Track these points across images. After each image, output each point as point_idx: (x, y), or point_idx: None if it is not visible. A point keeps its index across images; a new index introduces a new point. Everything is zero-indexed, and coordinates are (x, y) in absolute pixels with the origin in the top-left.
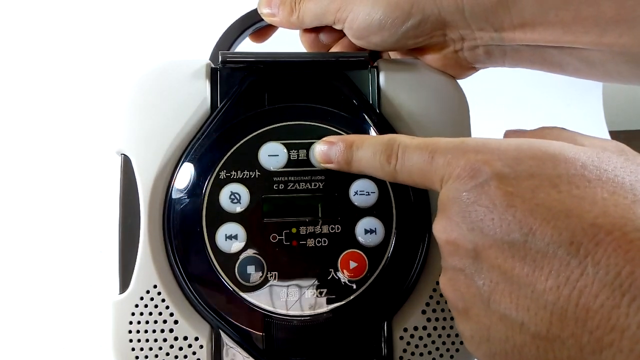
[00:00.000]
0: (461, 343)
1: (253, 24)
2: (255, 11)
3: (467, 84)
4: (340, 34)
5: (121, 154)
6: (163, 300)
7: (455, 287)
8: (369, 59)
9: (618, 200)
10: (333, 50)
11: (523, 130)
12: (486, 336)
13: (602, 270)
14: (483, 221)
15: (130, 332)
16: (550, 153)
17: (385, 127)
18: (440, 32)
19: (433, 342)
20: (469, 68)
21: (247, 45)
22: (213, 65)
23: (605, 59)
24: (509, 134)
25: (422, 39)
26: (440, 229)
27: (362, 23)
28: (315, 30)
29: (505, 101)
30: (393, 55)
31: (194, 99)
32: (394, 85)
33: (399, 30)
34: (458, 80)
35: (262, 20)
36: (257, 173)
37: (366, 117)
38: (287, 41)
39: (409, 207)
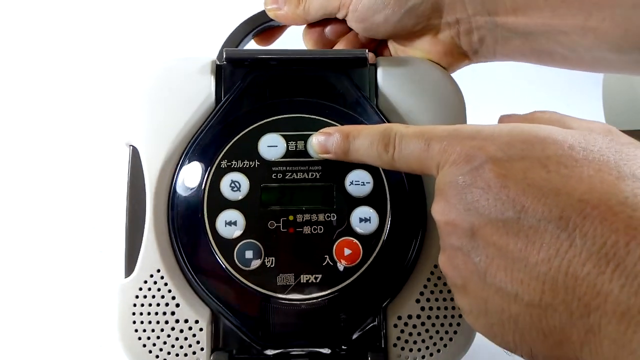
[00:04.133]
0: (455, 333)
1: (258, 26)
2: (261, 14)
3: (468, 85)
4: (344, 29)
5: (130, 145)
6: (166, 284)
7: (454, 264)
8: (367, 55)
9: (603, 177)
10: (337, 47)
11: (516, 115)
12: (484, 309)
13: (589, 241)
14: (479, 202)
15: (134, 314)
16: (540, 136)
17: (382, 121)
18: (438, 15)
19: (427, 330)
20: (463, 57)
21: (252, 47)
22: (218, 62)
23: (591, 46)
24: (503, 118)
25: (421, 19)
26: (439, 211)
27: (367, 3)
28: (320, 25)
29: (505, 102)
30: (394, 48)
31: (200, 94)
32: (390, 81)
33: (402, 10)
34: (458, 80)
35: (267, 22)
36: (256, 163)
37: (363, 111)
38: (289, 45)
39: (403, 197)
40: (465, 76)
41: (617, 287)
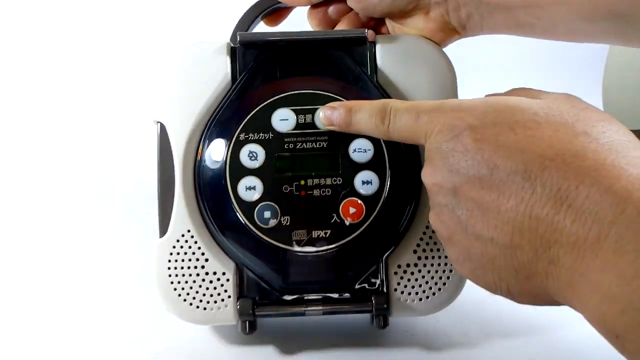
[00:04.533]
0: (448, 278)
1: (267, 8)
2: None
3: (470, 84)
4: (346, 9)
5: (158, 122)
6: (195, 242)
7: (441, 219)
8: (367, 35)
9: (560, 136)
10: (338, 26)
11: (499, 93)
12: (467, 255)
13: (548, 188)
14: (459, 164)
15: (169, 268)
16: (509, 105)
17: (381, 95)
18: None
19: (423, 277)
20: (453, 33)
21: (261, 28)
22: (232, 45)
23: (566, 18)
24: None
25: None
26: (427, 174)
27: None
28: (323, 5)
29: None
30: (391, 26)
31: (217, 74)
32: (388, 57)
33: None
34: (466, 90)
35: (275, 5)
36: (270, 135)
37: (364, 86)
38: (295, 26)
39: (401, 162)
40: (470, 77)
41: (569, 222)
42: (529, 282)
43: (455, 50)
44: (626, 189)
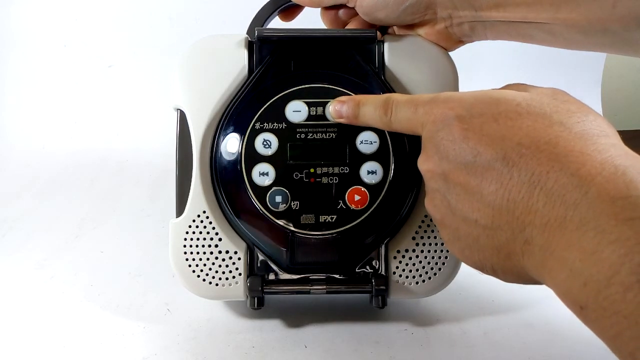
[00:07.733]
0: (443, 264)
1: (282, 5)
2: None
3: (471, 83)
4: (355, 12)
5: (178, 109)
6: (210, 223)
7: (434, 203)
8: (376, 35)
9: (537, 125)
10: (349, 26)
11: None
12: (457, 236)
13: (523, 174)
14: (448, 151)
15: (184, 246)
16: (494, 97)
17: (387, 90)
18: (432, 11)
19: (420, 261)
20: (457, 41)
21: (276, 23)
22: (250, 39)
23: (563, 30)
24: None
25: (417, 15)
26: (422, 161)
27: (370, 2)
28: (334, 8)
29: None
30: (398, 30)
31: (235, 66)
32: (395, 56)
33: (399, 8)
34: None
35: (290, 2)
36: (284, 125)
37: (372, 82)
38: (309, 23)
39: (404, 154)
40: (471, 76)
41: (541, 205)
42: (509, 260)
43: (457, 49)
44: (590, 173)
